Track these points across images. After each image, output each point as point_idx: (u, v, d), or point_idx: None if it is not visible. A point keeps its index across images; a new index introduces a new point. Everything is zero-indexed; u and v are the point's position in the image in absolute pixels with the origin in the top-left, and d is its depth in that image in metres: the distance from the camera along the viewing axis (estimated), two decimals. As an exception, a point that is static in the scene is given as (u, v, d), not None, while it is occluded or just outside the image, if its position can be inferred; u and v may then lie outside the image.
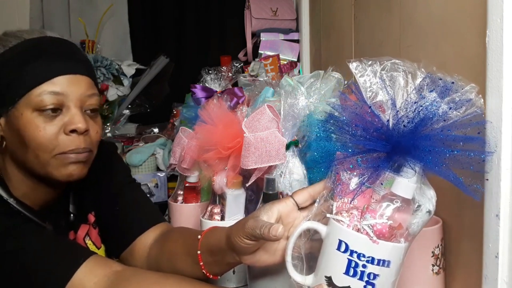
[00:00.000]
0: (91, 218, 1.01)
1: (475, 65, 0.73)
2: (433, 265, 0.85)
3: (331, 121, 0.70)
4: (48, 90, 0.84)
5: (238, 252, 0.75)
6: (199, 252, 0.82)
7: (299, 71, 1.94)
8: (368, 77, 0.66)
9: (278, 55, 1.93)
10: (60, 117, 0.85)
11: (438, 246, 0.86)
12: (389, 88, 0.65)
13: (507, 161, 0.66)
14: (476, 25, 0.74)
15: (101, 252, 1.02)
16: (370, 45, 1.26)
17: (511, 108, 0.65)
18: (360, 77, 0.66)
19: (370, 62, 0.67)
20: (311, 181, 0.93)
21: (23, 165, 0.88)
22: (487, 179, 0.68)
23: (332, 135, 0.74)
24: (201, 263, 0.82)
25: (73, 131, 0.85)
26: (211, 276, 0.83)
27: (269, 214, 0.72)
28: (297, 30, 2.07)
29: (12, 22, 2.15)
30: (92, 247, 1.00)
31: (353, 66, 0.67)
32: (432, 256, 0.85)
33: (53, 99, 0.84)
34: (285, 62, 1.94)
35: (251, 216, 0.74)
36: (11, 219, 0.84)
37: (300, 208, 0.75)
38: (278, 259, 0.76)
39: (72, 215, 0.99)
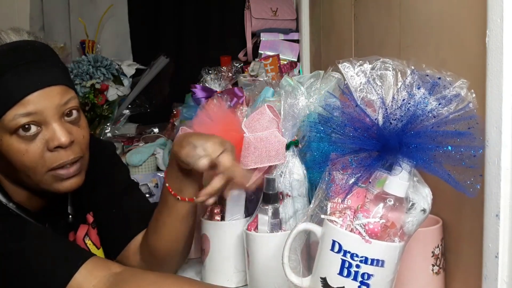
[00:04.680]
0: (90, 218, 1.01)
1: (475, 65, 0.73)
2: (433, 265, 0.85)
3: (322, 122, 0.71)
4: (20, 113, 0.79)
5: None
6: (167, 184, 0.89)
7: (299, 71, 1.94)
8: (359, 77, 0.67)
9: (278, 55, 1.93)
10: (41, 135, 0.81)
11: (438, 246, 0.85)
12: (378, 87, 0.65)
13: (507, 161, 0.66)
14: (476, 25, 0.74)
15: (101, 252, 1.01)
16: (370, 45, 1.26)
17: (511, 108, 0.65)
18: (350, 77, 0.67)
19: (359, 62, 0.67)
20: (311, 181, 0.93)
21: (18, 181, 0.87)
22: (481, 175, 0.67)
23: (324, 135, 0.75)
24: (170, 190, 0.88)
25: (57, 146, 0.82)
26: (181, 198, 0.88)
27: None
28: (297, 30, 2.07)
29: (12, 22, 2.15)
30: (92, 247, 1.00)
31: (343, 66, 0.67)
32: (432, 256, 0.85)
33: (28, 120, 0.79)
34: (285, 62, 1.94)
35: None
36: (11, 220, 0.84)
37: None
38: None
39: (70, 216, 0.98)
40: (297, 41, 2.05)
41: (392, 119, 0.63)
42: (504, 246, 0.67)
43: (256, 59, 2.01)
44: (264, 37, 2.07)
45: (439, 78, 0.63)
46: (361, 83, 0.66)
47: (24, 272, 0.78)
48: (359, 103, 0.65)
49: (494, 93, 0.66)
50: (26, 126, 0.80)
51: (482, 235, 0.71)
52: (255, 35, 2.12)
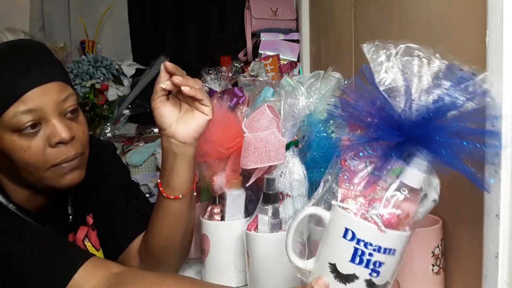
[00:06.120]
0: (90, 220, 1.01)
1: (475, 65, 0.73)
2: (433, 265, 0.85)
3: (342, 107, 0.68)
4: (20, 110, 0.80)
5: (161, 124, 0.85)
6: (158, 180, 0.89)
7: (299, 71, 1.94)
8: (382, 62, 0.63)
9: (278, 55, 1.93)
10: (42, 131, 0.82)
11: (438, 246, 0.85)
12: (405, 74, 0.61)
13: (507, 161, 0.66)
14: (476, 25, 0.74)
15: (100, 254, 1.01)
16: (370, 45, 1.26)
17: (511, 108, 0.65)
18: (373, 61, 0.63)
19: (385, 45, 0.63)
20: (311, 181, 0.93)
21: (18, 179, 0.87)
22: (496, 171, 0.66)
23: (335, 127, 0.72)
24: (160, 186, 0.88)
25: (58, 142, 0.83)
26: (166, 196, 0.87)
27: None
28: (297, 30, 2.07)
29: (12, 22, 2.15)
30: (91, 249, 0.99)
31: (367, 48, 0.64)
32: (432, 256, 0.85)
33: (29, 117, 0.80)
34: (285, 62, 1.94)
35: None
36: (10, 221, 0.84)
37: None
38: (200, 122, 0.86)
39: (70, 217, 0.98)
40: (297, 41, 2.05)
41: (416, 110, 0.60)
42: (504, 246, 0.67)
43: (256, 59, 2.02)
44: (264, 37, 2.07)
45: (474, 74, 0.60)
46: (385, 68, 0.62)
47: (24, 273, 0.78)
48: (381, 91, 0.62)
49: (494, 93, 0.66)
50: (27, 125, 0.80)
51: (482, 235, 0.71)
52: (255, 35, 2.12)
